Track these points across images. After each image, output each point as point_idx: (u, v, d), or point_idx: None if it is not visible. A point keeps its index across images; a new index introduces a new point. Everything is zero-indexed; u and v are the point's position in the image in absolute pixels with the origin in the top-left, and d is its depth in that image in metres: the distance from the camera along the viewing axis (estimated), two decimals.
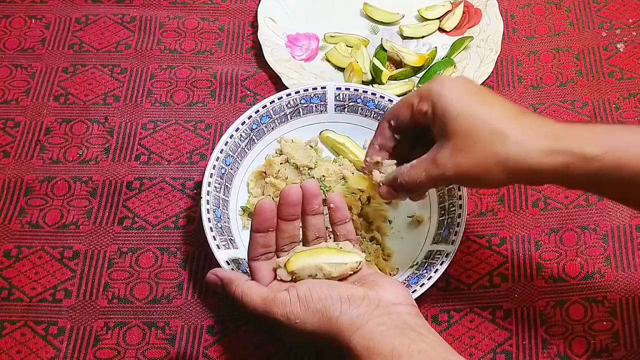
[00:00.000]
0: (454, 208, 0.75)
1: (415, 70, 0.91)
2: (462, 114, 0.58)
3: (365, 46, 0.93)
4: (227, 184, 0.78)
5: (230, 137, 0.78)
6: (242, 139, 0.79)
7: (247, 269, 0.72)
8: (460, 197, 0.75)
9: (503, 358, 0.72)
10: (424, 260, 0.74)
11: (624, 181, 0.55)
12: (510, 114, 0.58)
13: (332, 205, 0.64)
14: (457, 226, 0.74)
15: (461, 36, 0.94)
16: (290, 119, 0.82)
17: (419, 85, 0.90)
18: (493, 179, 0.58)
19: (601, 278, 0.77)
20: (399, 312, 0.57)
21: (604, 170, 0.55)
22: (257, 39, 0.91)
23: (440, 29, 0.96)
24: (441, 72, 0.90)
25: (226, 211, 0.76)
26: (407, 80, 0.91)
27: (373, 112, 0.81)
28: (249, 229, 0.78)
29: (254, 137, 0.80)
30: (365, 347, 0.54)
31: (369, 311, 0.56)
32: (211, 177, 0.76)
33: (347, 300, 0.56)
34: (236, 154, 0.79)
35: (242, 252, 0.75)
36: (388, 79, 0.90)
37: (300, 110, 0.82)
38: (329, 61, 0.93)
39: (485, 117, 0.58)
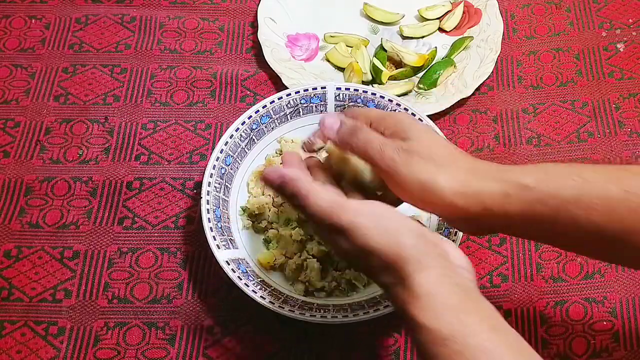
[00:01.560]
0: None
1: (415, 70, 0.91)
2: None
3: (365, 46, 0.93)
4: (227, 184, 0.78)
5: (230, 137, 0.78)
6: (242, 139, 0.79)
7: (247, 269, 0.72)
8: None
9: None
10: None
11: (558, 214, 0.54)
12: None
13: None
14: None
15: (461, 36, 0.94)
16: (290, 119, 0.82)
17: (419, 85, 0.90)
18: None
19: (601, 278, 0.77)
20: (462, 274, 0.54)
21: (538, 199, 0.54)
22: (257, 39, 0.91)
23: (440, 29, 0.96)
24: (441, 72, 0.90)
25: (226, 211, 0.76)
26: (407, 80, 0.91)
27: None
28: (249, 229, 0.78)
29: (254, 137, 0.80)
30: (427, 290, 0.51)
31: (437, 258, 0.53)
32: (211, 177, 0.76)
33: (423, 236, 0.54)
34: (236, 154, 0.79)
35: (242, 252, 0.75)
36: (388, 79, 0.90)
37: (300, 110, 0.82)
38: (329, 61, 0.93)
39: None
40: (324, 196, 0.55)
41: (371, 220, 0.54)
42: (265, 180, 0.58)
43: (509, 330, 0.52)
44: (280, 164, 0.79)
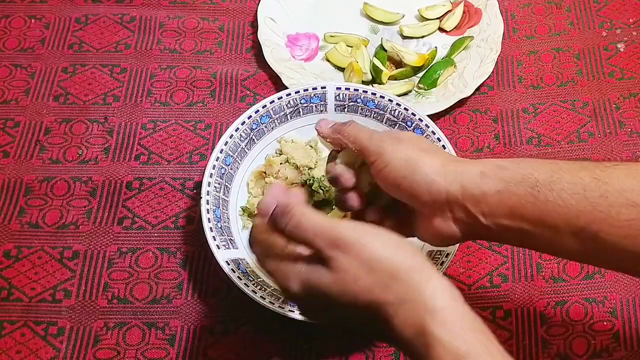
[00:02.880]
0: None
1: (415, 70, 0.91)
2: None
3: (365, 46, 0.93)
4: (227, 184, 0.78)
5: (230, 137, 0.78)
6: (242, 139, 0.79)
7: (247, 269, 0.72)
8: None
9: None
10: None
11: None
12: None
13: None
14: None
15: (461, 36, 0.94)
16: (290, 119, 0.82)
17: (420, 85, 0.90)
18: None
19: (601, 278, 0.77)
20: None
21: (513, 178, 0.55)
22: (257, 39, 0.91)
23: (441, 29, 0.96)
24: (441, 72, 0.89)
25: (226, 211, 0.76)
26: (407, 80, 0.91)
27: (373, 112, 0.81)
28: (249, 229, 0.78)
29: (254, 137, 0.80)
30: (442, 304, 0.49)
31: (437, 271, 0.52)
32: (211, 177, 0.76)
33: (419, 251, 0.54)
34: (236, 154, 0.79)
35: (242, 252, 0.75)
36: (388, 79, 0.90)
37: (300, 110, 0.82)
38: (329, 61, 0.93)
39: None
40: (320, 215, 0.53)
41: (373, 234, 0.52)
42: (260, 211, 0.55)
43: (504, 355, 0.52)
44: (281, 163, 0.80)
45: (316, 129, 0.64)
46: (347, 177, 0.62)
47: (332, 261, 0.51)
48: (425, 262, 0.52)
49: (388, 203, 0.63)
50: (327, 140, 0.64)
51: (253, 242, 0.56)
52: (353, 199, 0.63)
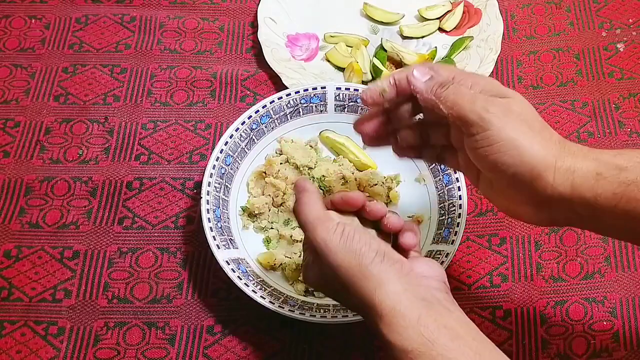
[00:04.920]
0: (454, 208, 0.75)
1: None
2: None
3: (365, 46, 0.93)
4: (227, 184, 0.78)
5: (230, 137, 0.78)
6: (242, 138, 0.79)
7: (247, 269, 0.72)
8: (460, 197, 0.75)
9: None
10: None
11: None
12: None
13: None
14: (457, 226, 0.74)
15: (461, 36, 0.94)
16: (290, 119, 0.82)
17: None
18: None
19: (601, 278, 0.77)
20: (428, 285, 0.55)
21: (634, 181, 0.51)
22: (257, 39, 0.91)
23: (440, 29, 0.96)
24: None
25: (226, 211, 0.76)
26: None
27: None
28: (249, 229, 0.78)
29: (254, 137, 0.80)
30: (389, 306, 0.52)
31: (399, 274, 0.53)
32: (211, 177, 0.76)
33: (382, 254, 0.54)
34: (236, 153, 0.79)
35: (242, 252, 0.75)
36: None
37: (300, 110, 0.82)
38: (329, 61, 0.93)
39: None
40: (312, 209, 0.58)
41: (341, 240, 0.55)
42: (295, 188, 0.61)
43: (473, 335, 0.52)
44: (281, 163, 0.80)
45: (410, 79, 0.57)
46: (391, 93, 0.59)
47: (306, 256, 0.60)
48: (384, 268, 0.54)
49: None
50: (420, 98, 0.57)
51: (306, 187, 0.60)
52: (409, 136, 0.61)
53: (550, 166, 0.52)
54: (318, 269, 0.58)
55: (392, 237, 0.62)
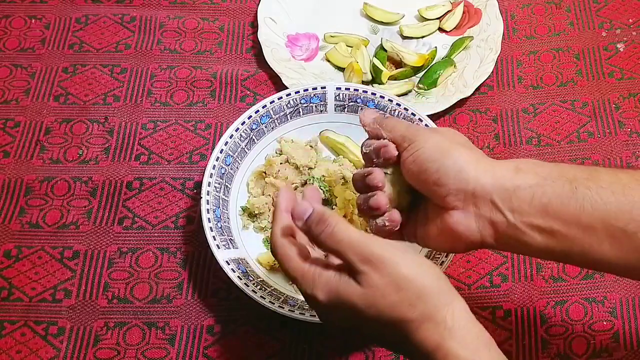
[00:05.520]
0: None
1: (415, 70, 0.91)
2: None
3: (365, 46, 0.93)
4: (227, 184, 0.78)
5: (230, 137, 0.78)
6: (242, 139, 0.79)
7: (247, 269, 0.72)
8: None
9: None
10: None
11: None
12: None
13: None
14: None
15: (461, 36, 0.94)
16: (290, 119, 0.82)
17: (420, 85, 0.90)
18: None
19: (601, 278, 0.77)
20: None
21: (549, 175, 0.54)
22: (257, 39, 0.91)
23: (440, 29, 0.96)
24: (441, 72, 0.89)
25: (226, 211, 0.76)
26: (407, 80, 0.91)
27: None
28: (249, 229, 0.78)
29: (254, 137, 0.80)
30: (460, 324, 0.51)
31: (456, 295, 0.53)
32: (211, 177, 0.76)
33: (441, 274, 0.54)
34: (236, 154, 0.79)
35: (242, 252, 0.75)
36: (388, 79, 0.90)
37: (300, 110, 0.82)
38: (329, 61, 0.93)
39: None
40: (353, 228, 0.54)
41: (400, 253, 0.53)
42: (295, 215, 0.56)
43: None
44: (281, 163, 0.80)
45: (360, 117, 0.63)
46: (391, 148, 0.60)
47: (362, 275, 0.52)
48: (449, 285, 0.53)
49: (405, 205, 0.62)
50: (367, 129, 0.62)
51: (276, 245, 0.56)
52: (382, 198, 0.60)
53: (471, 160, 0.55)
54: (371, 283, 0.52)
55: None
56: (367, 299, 0.52)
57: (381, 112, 0.64)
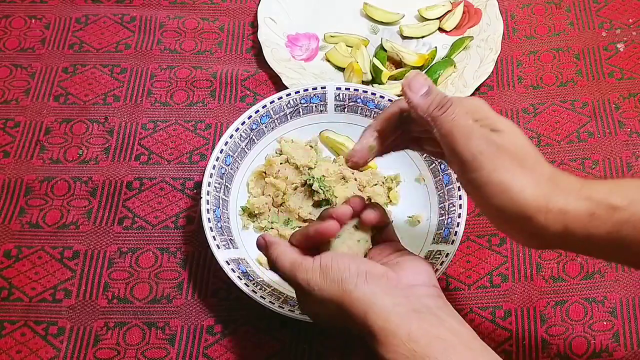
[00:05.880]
0: (454, 208, 0.75)
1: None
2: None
3: (365, 46, 0.93)
4: (227, 184, 0.78)
5: (230, 137, 0.78)
6: (242, 139, 0.79)
7: (247, 269, 0.72)
8: (460, 197, 0.75)
9: (503, 358, 0.72)
10: None
11: None
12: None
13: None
14: (457, 226, 0.74)
15: (461, 36, 0.94)
16: (290, 119, 0.82)
17: None
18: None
19: (601, 278, 0.77)
20: (418, 294, 0.55)
21: (628, 221, 0.50)
22: (257, 39, 0.91)
23: (440, 29, 0.96)
24: (441, 72, 0.89)
25: (226, 211, 0.76)
26: None
27: (373, 112, 0.81)
28: (249, 229, 0.78)
29: (254, 137, 0.80)
30: (380, 326, 0.52)
31: (386, 290, 0.54)
32: (211, 177, 0.76)
33: (364, 275, 0.55)
34: (236, 154, 0.79)
35: (242, 252, 0.75)
36: (388, 79, 0.90)
37: (300, 110, 0.82)
38: (329, 61, 0.93)
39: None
40: (285, 260, 0.59)
41: (321, 274, 0.56)
42: (258, 246, 0.63)
43: (468, 344, 0.52)
44: (281, 163, 0.80)
45: (405, 92, 0.56)
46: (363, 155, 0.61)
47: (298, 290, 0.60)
48: (368, 289, 0.54)
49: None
50: (414, 111, 0.56)
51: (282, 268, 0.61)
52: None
53: (542, 208, 0.51)
54: (311, 307, 0.59)
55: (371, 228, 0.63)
56: (312, 307, 0.60)
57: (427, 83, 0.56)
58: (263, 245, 0.62)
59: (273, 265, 0.61)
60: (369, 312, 0.53)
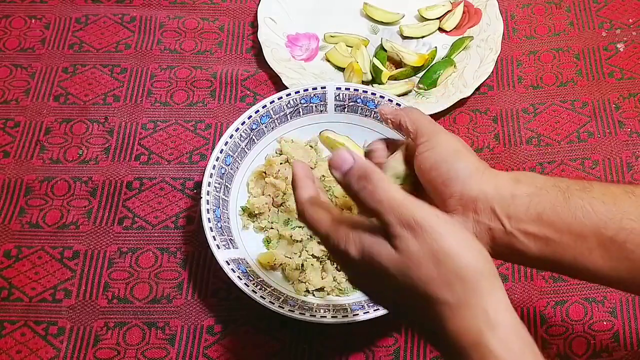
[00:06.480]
0: None
1: (415, 70, 0.91)
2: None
3: (365, 46, 0.93)
4: (227, 184, 0.78)
5: (230, 137, 0.78)
6: (242, 139, 0.79)
7: (247, 269, 0.72)
8: None
9: None
10: None
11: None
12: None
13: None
14: None
15: (461, 36, 0.94)
16: (290, 119, 0.82)
17: (420, 85, 0.90)
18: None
19: None
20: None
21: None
22: (257, 39, 0.91)
23: (440, 29, 0.96)
24: (441, 72, 0.90)
25: (226, 211, 0.76)
26: (407, 80, 0.91)
27: (373, 112, 0.81)
28: (249, 229, 0.78)
29: (254, 137, 0.80)
30: (503, 320, 0.47)
31: (499, 280, 0.49)
32: (211, 177, 0.76)
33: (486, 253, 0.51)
34: (236, 154, 0.79)
35: (242, 252, 0.75)
36: (388, 79, 0.90)
37: (300, 110, 0.82)
38: (329, 61, 0.93)
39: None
40: (397, 188, 0.50)
41: (447, 225, 0.48)
42: (333, 163, 0.52)
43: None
44: (281, 163, 0.80)
45: (379, 110, 0.61)
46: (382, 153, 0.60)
47: (398, 240, 0.48)
48: (495, 270, 0.48)
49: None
50: (389, 117, 0.60)
51: (304, 209, 0.53)
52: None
53: (480, 169, 0.55)
54: (408, 249, 0.48)
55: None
56: (400, 266, 0.48)
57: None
58: (348, 164, 0.51)
59: (371, 188, 0.49)
60: (491, 295, 0.47)
